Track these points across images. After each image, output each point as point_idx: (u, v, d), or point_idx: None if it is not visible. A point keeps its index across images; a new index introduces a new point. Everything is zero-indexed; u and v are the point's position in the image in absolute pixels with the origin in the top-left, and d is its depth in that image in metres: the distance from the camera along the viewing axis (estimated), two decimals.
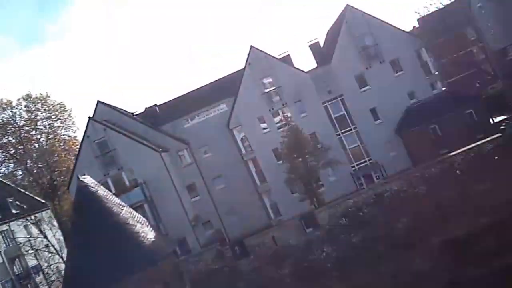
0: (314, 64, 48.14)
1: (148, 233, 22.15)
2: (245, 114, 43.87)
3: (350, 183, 43.36)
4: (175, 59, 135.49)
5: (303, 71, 45.18)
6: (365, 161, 44.32)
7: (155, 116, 47.81)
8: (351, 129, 44.55)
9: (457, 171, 27.98)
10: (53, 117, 59.50)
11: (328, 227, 27.62)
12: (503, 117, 45.48)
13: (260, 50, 44.65)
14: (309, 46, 48.54)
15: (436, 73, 45.11)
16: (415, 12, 74.61)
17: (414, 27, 72.66)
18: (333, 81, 44.17)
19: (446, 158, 30.57)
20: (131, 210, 24.81)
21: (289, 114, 42.82)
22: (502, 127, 28.83)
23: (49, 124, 59.76)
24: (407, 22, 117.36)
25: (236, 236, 41.54)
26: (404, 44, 44.15)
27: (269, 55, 44.73)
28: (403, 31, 45.33)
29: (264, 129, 44.23)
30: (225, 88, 45.88)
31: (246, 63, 44.46)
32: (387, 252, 27.83)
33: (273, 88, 44.24)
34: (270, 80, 44.43)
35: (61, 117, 60.33)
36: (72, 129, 60.02)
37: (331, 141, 43.50)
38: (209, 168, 45.15)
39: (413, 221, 28.04)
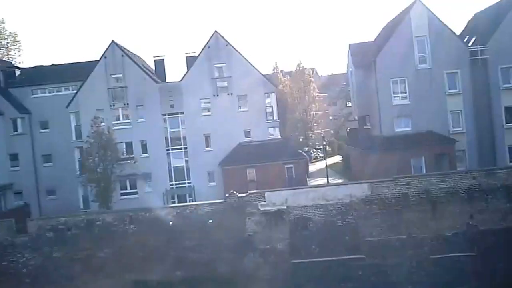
0: None
1: None
2: (85, 103, 44.20)
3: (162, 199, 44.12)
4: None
5: (155, 79, 45.51)
6: (184, 183, 44.94)
7: (10, 76, 48.21)
8: (181, 148, 45.08)
9: (170, 223, 28.69)
10: None
11: (35, 235, 28.42)
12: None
13: (119, 47, 44.92)
14: (186, 57, 48.98)
15: (277, 120, 45.42)
16: None
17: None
18: (179, 98, 44.61)
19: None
20: None
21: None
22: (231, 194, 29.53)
23: None
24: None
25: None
26: (256, 85, 44.50)
27: (125, 54, 44.88)
28: (260, 72, 45.48)
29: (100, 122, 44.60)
30: (84, 71, 46.23)
31: (102, 55, 44.73)
32: (82, 275, 28.72)
33: (120, 86, 44.58)
34: (120, 77, 44.72)
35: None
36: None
37: (159, 153, 44.36)
38: (42, 143, 46.10)
39: (116, 254, 28.86)
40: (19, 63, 65.20)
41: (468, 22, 49.56)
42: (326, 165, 49.75)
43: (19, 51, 65.73)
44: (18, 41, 65.59)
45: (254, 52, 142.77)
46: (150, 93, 44.53)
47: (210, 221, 28.68)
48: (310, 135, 70.85)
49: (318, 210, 28.66)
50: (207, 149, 44.73)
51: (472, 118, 39.08)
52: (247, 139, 44.59)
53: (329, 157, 62.04)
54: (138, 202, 43.33)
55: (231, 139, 44.10)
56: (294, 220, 28.76)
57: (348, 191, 28.70)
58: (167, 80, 50.05)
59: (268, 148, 43.68)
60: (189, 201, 44.26)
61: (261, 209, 28.64)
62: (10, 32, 65.10)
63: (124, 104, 44.63)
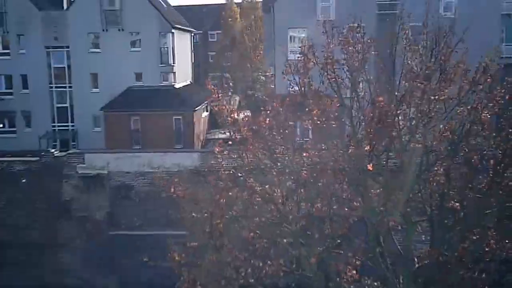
0: None
1: None
2: None
3: (43, 141, 40.37)
4: None
5: (36, 7, 40.25)
6: (68, 126, 41.11)
7: None
8: (65, 87, 40.83)
9: None
10: None
11: None
12: None
13: None
14: None
15: (174, 65, 40.89)
16: None
17: None
18: (64, 29, 39.82)
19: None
20: None
21: None
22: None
23: None
24: None
25: None
26: (151, 22, 39.57)
27: None
28: (157, 9, 40.37)
29: None
30: None
31: None
32: None
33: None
34: None
35: None
36: None
37: (41, 90, 40.27)
38: None
39: None
40: None
41: None
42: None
43: None
44: None
45: None
46: (32, 22, 39.65)
47: (24, 180, 25.09)
48: (258, 76, 65.83)
49: (142, 178, 25.09)
50: (94, 90, 40.37)
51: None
52: (139, 83, 40.28)
53: None
54: (17, 142, 40.12)
55: (121, 82, 39.58)
56: (115, 188, 25.24)
57: (177, 160, 25.09)
58: None
59: (158, 96, 39.34)
60: (72, 147, 40.82)
61: (80, 172, 25.04)
62: None
63: (4, 32, 39.93)
